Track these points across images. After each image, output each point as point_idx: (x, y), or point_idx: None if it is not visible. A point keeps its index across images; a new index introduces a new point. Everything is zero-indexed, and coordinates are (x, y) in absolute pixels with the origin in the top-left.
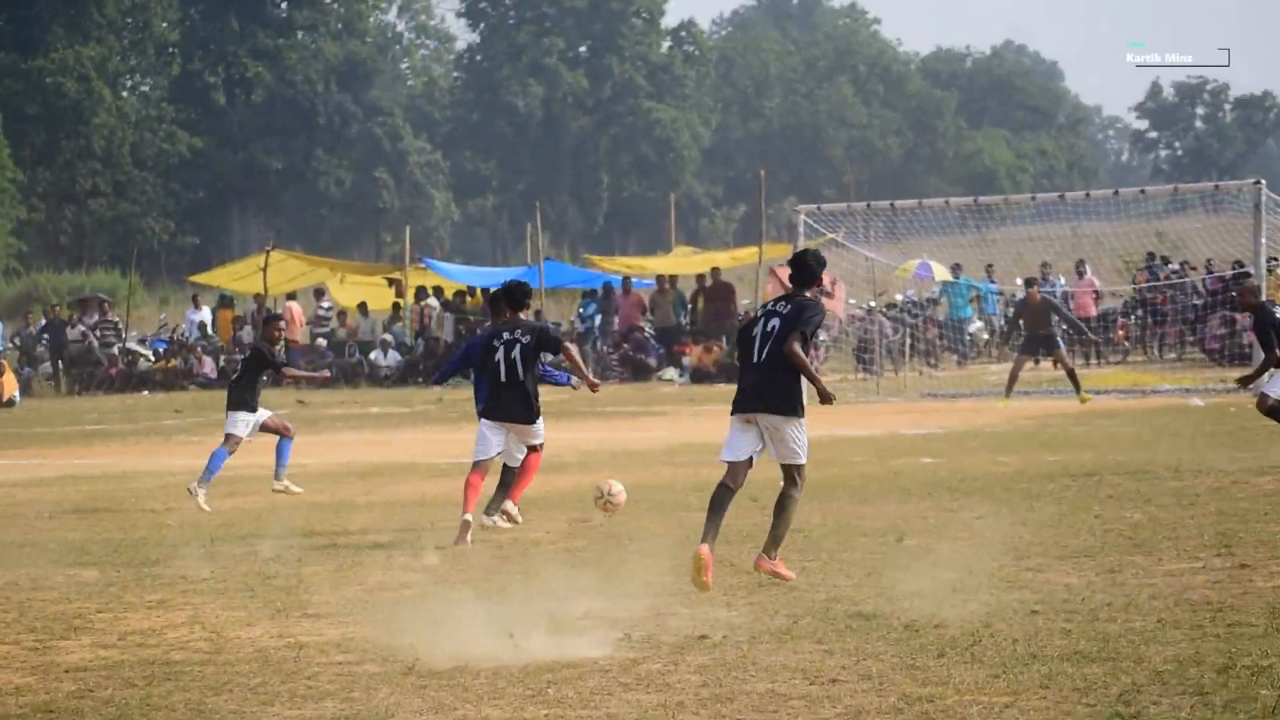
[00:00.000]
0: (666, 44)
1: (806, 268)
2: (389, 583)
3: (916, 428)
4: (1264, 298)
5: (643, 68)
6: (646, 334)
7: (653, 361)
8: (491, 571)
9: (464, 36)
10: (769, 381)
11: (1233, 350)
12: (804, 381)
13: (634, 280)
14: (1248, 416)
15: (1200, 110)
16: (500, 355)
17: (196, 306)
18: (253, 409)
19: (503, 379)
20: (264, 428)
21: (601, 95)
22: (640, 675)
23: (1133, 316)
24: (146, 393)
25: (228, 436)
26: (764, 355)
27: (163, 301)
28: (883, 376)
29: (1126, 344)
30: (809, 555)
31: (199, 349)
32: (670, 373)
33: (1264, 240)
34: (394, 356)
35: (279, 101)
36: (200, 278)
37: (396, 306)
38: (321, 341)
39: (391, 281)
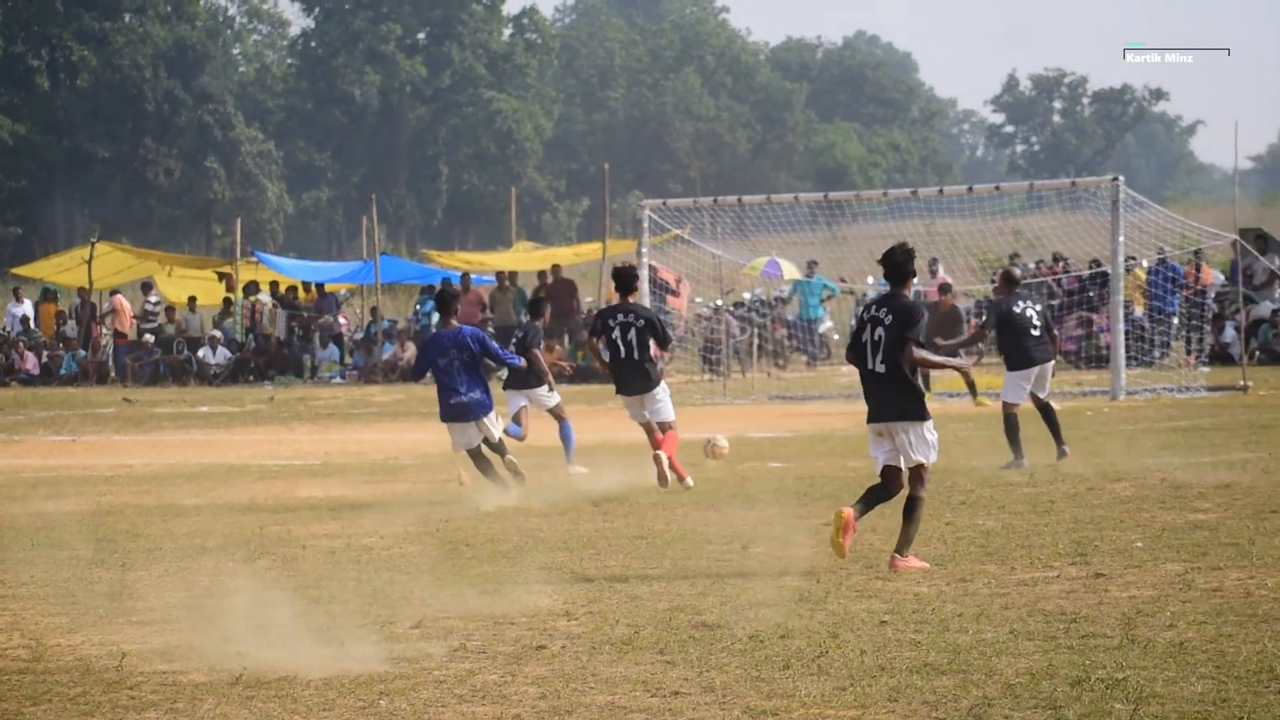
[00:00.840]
0: (508, 32)
1: (896, 264)
2: (216, 589)
3: (764, 431)
4: (1121, 295)
5: (483, 56)
6: (486, 333)
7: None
8: (323, 577)
9: (298, 21)
10: (890, 392)
11: (1089, 352)
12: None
13: (473, 277)
14: (1104, 420)
15: (1058, 104)
16: (618, 335)
17: (18, 300)
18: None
19: (623, 357)
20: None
21: (440, 84)
22: (476, 686)
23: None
24: None
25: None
26: (878, 365)
27: None
28: (729, 378)
29: (980, 345)
30: (651, 563)
31: (21, 344)
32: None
33: (1121, 239)
34: (224, 354)
35: (105, 87)
36: (22, 269)
37: (227, 302)
38: (149, 338)
39: (222, 276)
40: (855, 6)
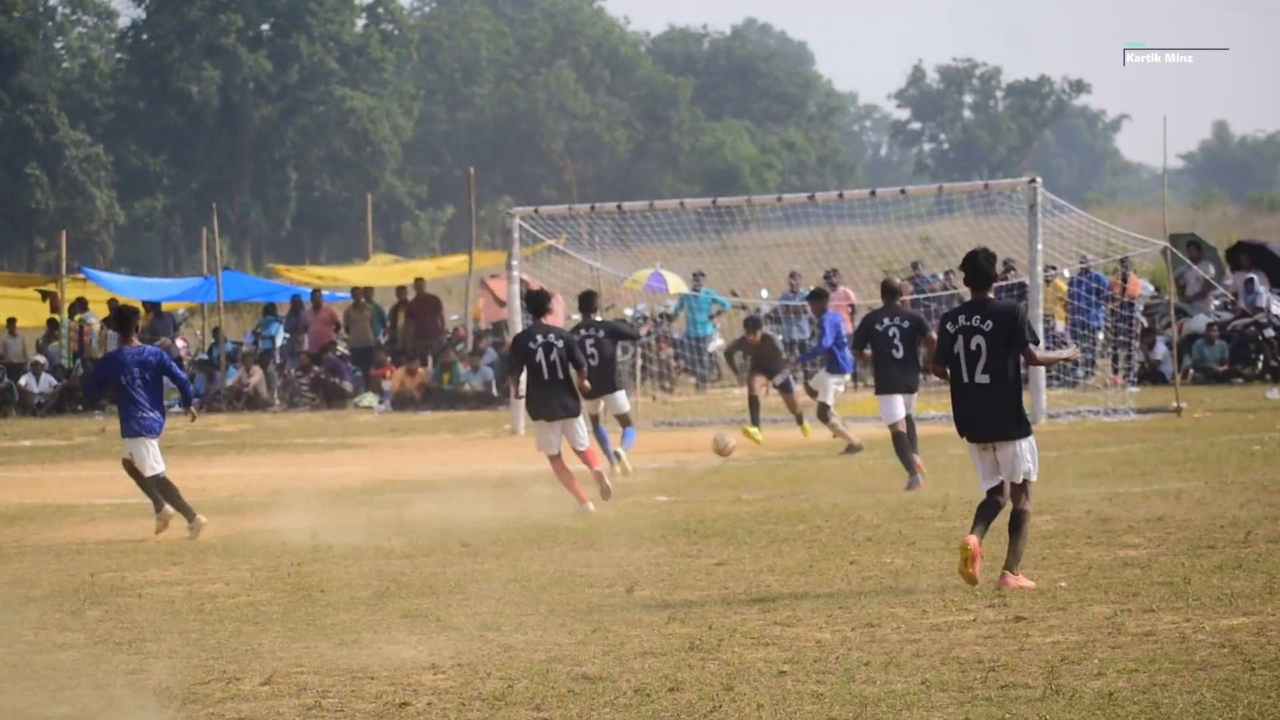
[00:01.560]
0: (361, 22)
1: (980, 268)
2: (43, 644)
3: (647, 461)
4: (1041, 310)
5: (335, 49)
6: (341, 354)
7: (348, 386)
8: (161, 630)
9: (127, 12)
10: (994, 407)
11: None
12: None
13: (326, 293)
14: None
15: (969, 99)
16: (541, 358)
17: None
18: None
19: (545, 379)
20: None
21: (288, 80)
22: None
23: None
24: None
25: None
26: (979, 377)
27: None
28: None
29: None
30: (526, 609)
31: None
32: (369, 399)
33: (1040, 246)
34: (48, 381)
35: None
36: None
37: (52, 324)
38: None
39: (46, 294)
40: None
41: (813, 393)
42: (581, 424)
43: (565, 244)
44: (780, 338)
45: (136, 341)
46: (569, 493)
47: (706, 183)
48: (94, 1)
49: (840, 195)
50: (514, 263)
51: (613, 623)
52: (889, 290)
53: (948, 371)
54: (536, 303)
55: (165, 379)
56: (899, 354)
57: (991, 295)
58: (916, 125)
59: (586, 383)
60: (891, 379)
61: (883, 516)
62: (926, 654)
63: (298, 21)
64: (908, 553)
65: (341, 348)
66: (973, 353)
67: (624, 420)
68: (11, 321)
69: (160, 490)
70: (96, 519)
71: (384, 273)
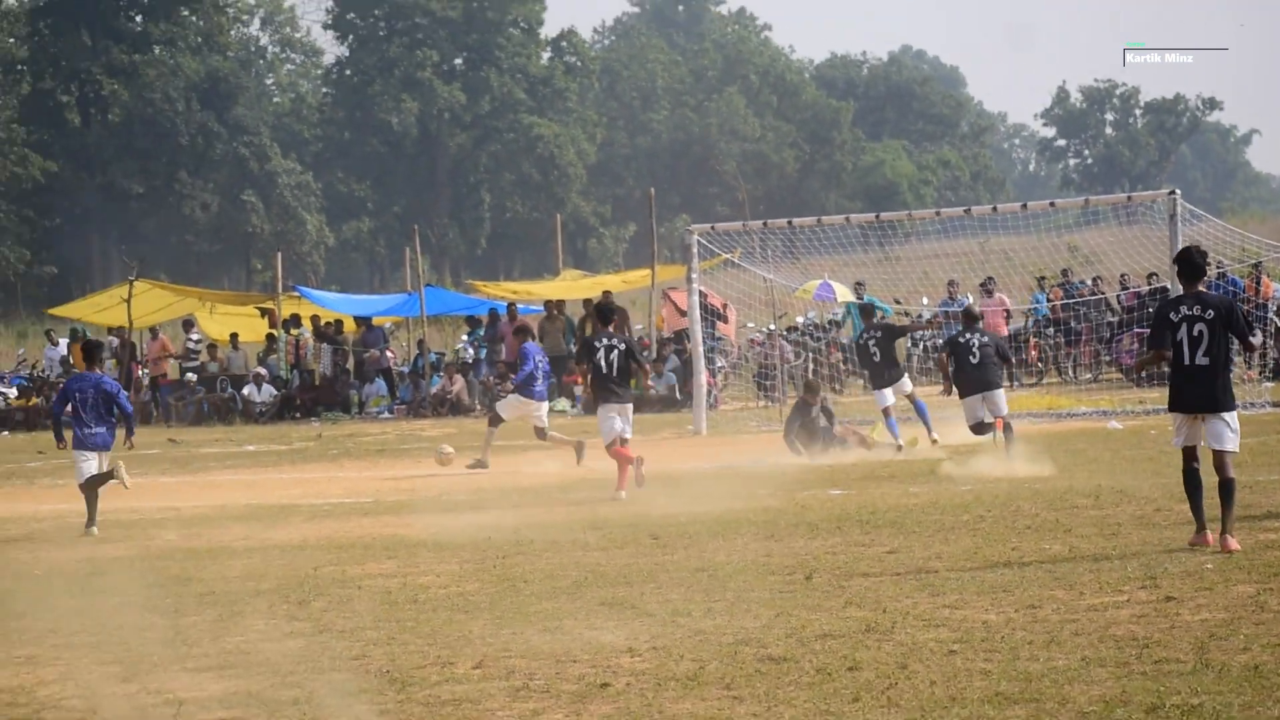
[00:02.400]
0: (547, 55)
1: (1195, 265)
2: (272, 632)
3: (822, 457)
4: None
5: (522, 81)
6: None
7: None
8: (379, 618)
9: (332, 50)
10: (1210, 384)
11: (1150, 370)
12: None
13: (520, 306)
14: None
15: (1110, 116)
16: (601, 357)
17: (53, 342)
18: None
19: (604, 374)
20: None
21: (480, 110)
22: None
23: (1044, 335)
24: (6, 433)
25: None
26: (1200, 359)
27: (20, 336)
28: (785, 403)
29: (1040, 365)
30: (714, 596)
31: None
32: (561, 403)
33: None
34: (268, 391)
35: (138, 121)
36: (60, 310)
37: (270, 338)
38: (191, 376)
39: (264, 311)
40: (900, 21)
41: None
42: (629, 413)
43: (740, 257)
44: (940, 340)
45: (98, 371)
46: (620, 475)
47: (868, 198)
48: (301, 40)
49: (994, 208)
50: (693, 275)
51: (794, 607)
52: (970, 316)
53: (1161, 353)
54: (603, 312)
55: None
56: (974, 359)
57: (1204, 290)
58: (1062, 142)
59: (650, 380)
60: (972, 381)
61: (1040, 506)
62: (1085, 632)
63: (488, 56)
64: (1064, 539)
65: None
66: (1195, 338)
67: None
68: (234, 336)
69: (89, 489)
70: (318, 518)
71: (573, 287)
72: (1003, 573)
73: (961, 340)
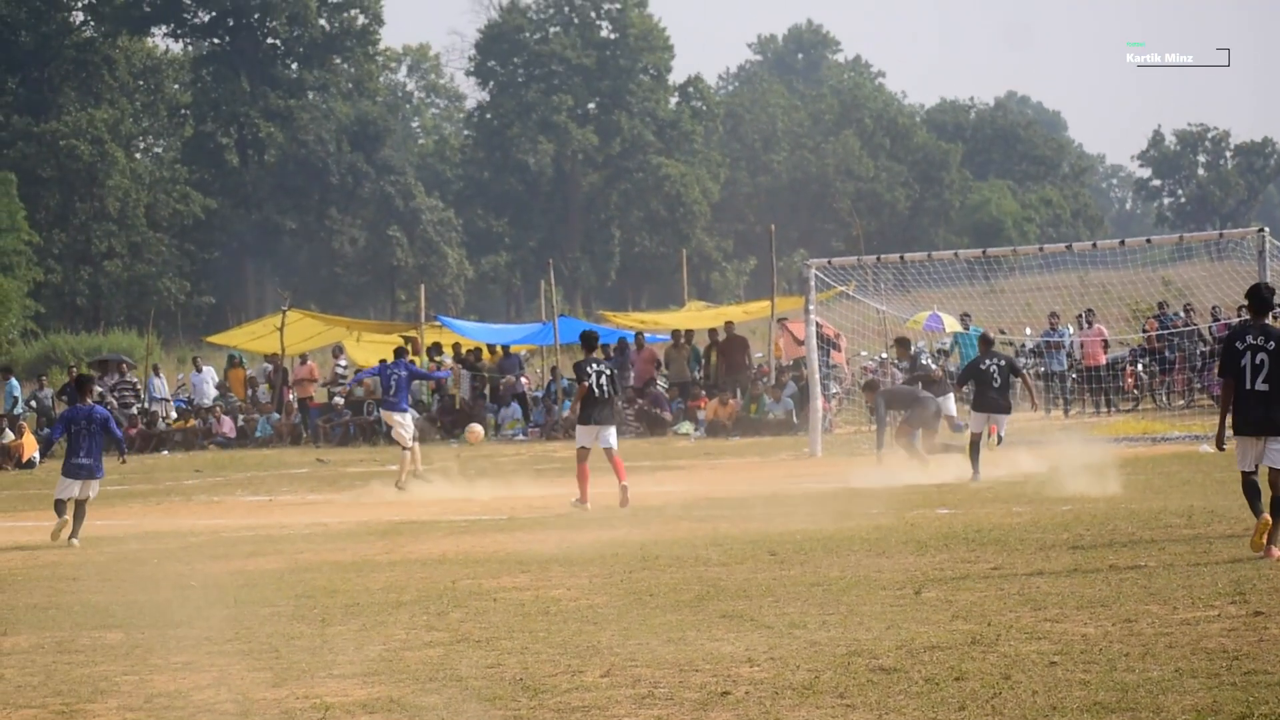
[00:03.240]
0: (674, 100)
1: (1261, 298)
2: (413, 641)
3: (931, 479)
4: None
5: (651, 124)
6: (662, 388)
7: (668, 416)
8: (513, 629)
9: (473, 95)
10: (1267, 408)
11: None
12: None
13: (647, 335)
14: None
15: (1202, 158)
16: (592, 380)
17: (198, 369)
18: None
19: (596, 396)
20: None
21: (611, 151)
22: None
23: (1140, 364)
24: (166, 452)
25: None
26: (1260, 385)
27: (180, 361)
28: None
29: (1136, 392)
30: (828, 609)
31: (219, 409)
32: (686, 427)
33: None
34: (411, 415)
35: (291, 161)
36: (217, 338)
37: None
38: (338, 400)
39: (407, 339)
40: (1006, 68)
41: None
42: (612, 433)
43: (854, 290)
44: (1042, 368)
45: (89, 402)
46: (579, 485)
47: (975, 235)
48: (444, 86)
49: (1094, 244)
50: (810, 307)
51: (904, 620)
52: (986, 340)
53: (1227, 379)
54: (588, 340)
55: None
56: (996, 383)
57: (1269, 321)
58: (1157, 182)
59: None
60: (990, 402)
61: (1136, 525)
62: (1178, 645)
63: (619, 100)
64: (1159, 556)
65: (661, 383)
66: (1256, 366)
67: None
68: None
69: (58, 509)
70: (455, 533)
71: (697, 317)
72: (1100, 588)
73: (982, 367)
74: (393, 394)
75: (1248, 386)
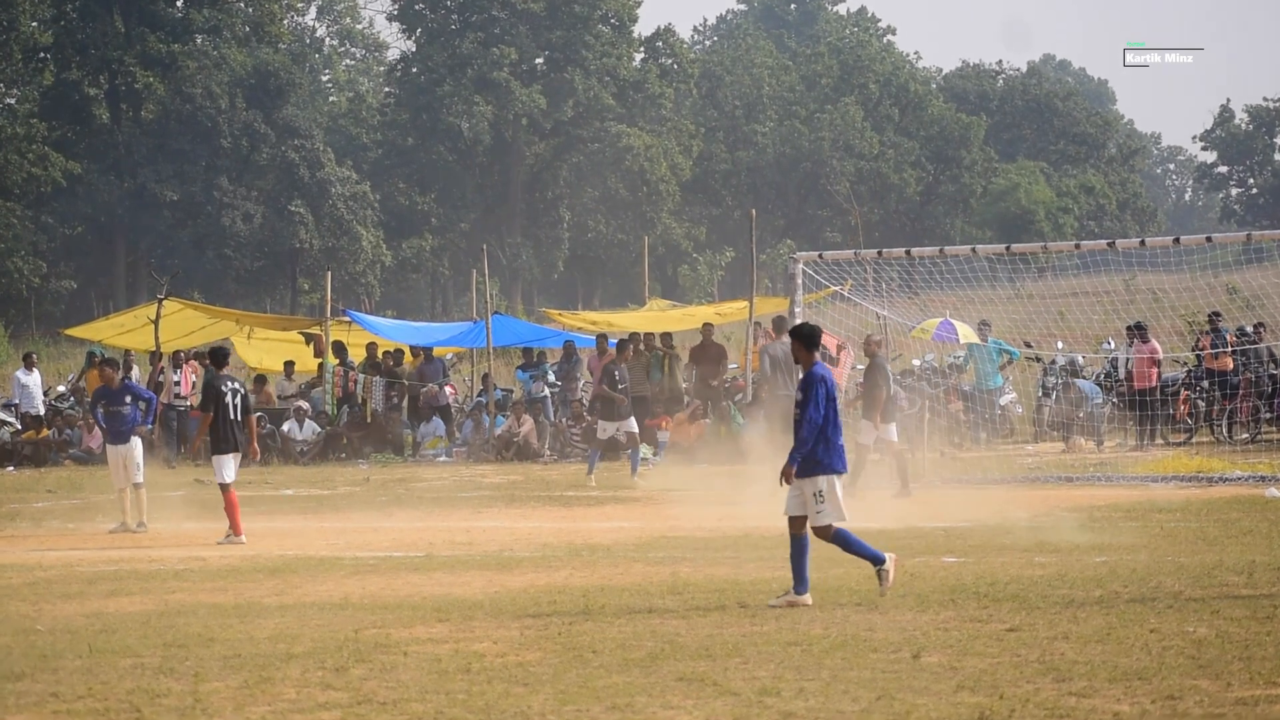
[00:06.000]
0: (639, 56)
1: None
2: (305, 702)
3: (936, 520)
4: None
5: (611, 85)
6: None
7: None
8: (426, 689)
9: (397, 44)
10: None
11: None
12: None
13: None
14: None
15: None
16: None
17: (28, 367)
18: None
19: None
20: None
21: (561, 117)
22: None
23: (1198, 389)
24: (12, 469)
25: None
26: None
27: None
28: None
29: (1190, 421)
30: (807, 674)
31: (77, 418)
32: (644, 450)
33: None
34: (311, 428)
35: (174, 119)
36: (77, 330)
37: (322, 368)
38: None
39: (309, 338)
40: (1041, 26)
41: None
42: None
43: (851, 290)
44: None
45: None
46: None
47: (999, 228)
48: (362, 33)
49: (1142, 242)
50: (797, 310)
51: (898, 690)
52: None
53: None
54: (217, 357)
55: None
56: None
57: None
58: (1223, 169)
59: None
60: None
61: (1184, 582)
62: None
63: (573, 55)
64: (1211, 621)
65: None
66: None
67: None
68: (289, 365)
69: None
70: (361, 572)
71: (661, 318)
72: (1139, 657)
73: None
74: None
75: None
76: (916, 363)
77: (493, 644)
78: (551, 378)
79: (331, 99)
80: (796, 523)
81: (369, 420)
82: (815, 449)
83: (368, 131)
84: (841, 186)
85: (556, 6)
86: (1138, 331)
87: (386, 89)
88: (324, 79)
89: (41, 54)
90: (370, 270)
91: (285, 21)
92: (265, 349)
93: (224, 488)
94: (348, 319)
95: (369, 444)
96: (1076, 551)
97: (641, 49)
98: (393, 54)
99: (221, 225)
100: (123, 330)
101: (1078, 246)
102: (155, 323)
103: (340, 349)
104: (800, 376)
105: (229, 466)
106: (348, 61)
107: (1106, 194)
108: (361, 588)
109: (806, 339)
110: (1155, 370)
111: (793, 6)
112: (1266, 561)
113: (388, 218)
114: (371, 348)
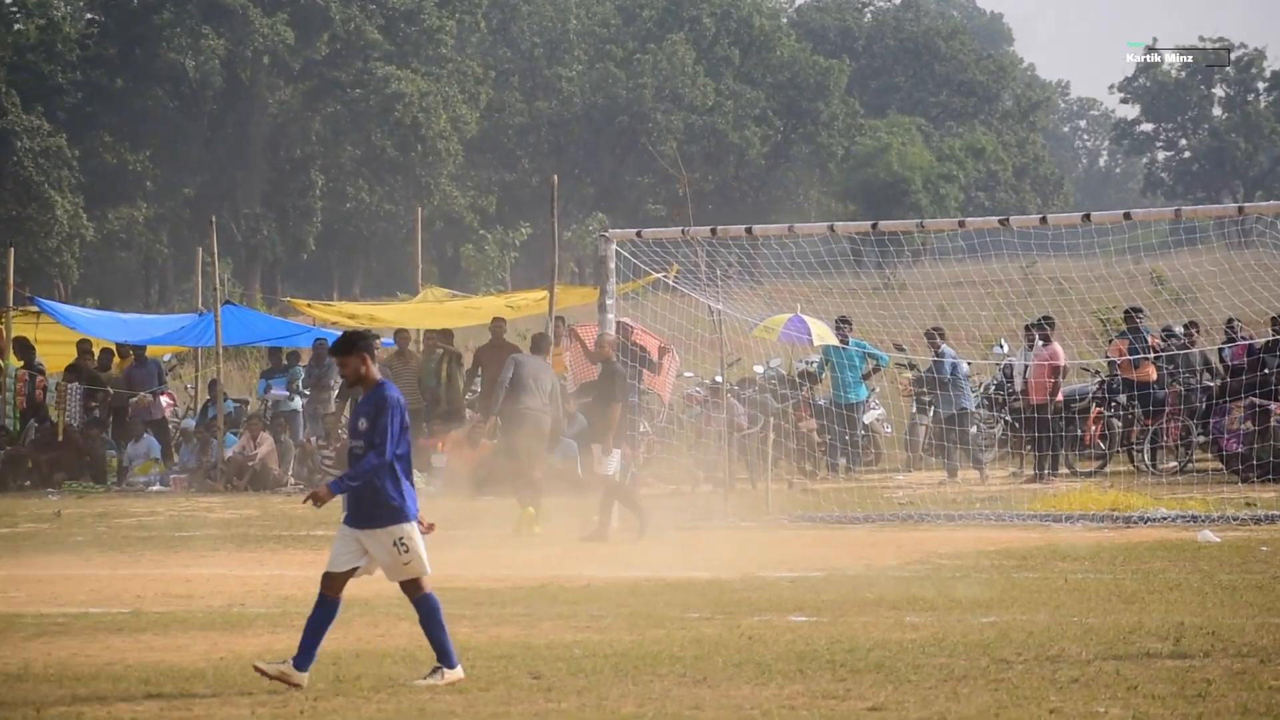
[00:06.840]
0: None
1: None
2: None
3: (783, 568)
4: None
5: (377, 16)
6: None
7: None
8: None
9: None
10: None
11: (1264, 457)
12: None
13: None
14: None
15: (1220, 92)
16: None
17: None
18: None
19: None
20: None
21: (314, 55)
22: None
23: (1113, 405)
24: None
25: None
26: None
27: None
28: (733, 488)
29: (1102, 445)
30: None
31: None
32: (415, 477)
33: None
34: None
35: None
36: None
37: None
38: None
39: None
40: None
41: None
42: None
43: (677, 278)
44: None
45: None
46: None
47: (864, 199)
48: None
49: (1043, 219)
50: (609, 302)
51: None
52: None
53: None
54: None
55: None
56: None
57: None
58: (1148, 127)
59: None
60: None
61: (1094, 650)
62: None
63: None
64: (1127, 700)
65: None
66: None
67: None
68: None
69: None
70: (49, 634)
71: (437, 311)
72: None
73: None
74: None
75: None
76: (759, 369)
77: None
78: (300, 385)
79: (17, 28)
80: (337, 582)
81: (61, 438)
82: (389, 491)
83: (64, 70)
84: (667, 147)
85: None
86: (1038, 331)
87: (89, 16)
88: (8, 4)
89: None
90: (66, 246)
91: None
92: None
93: None
94: (35, 309)
95: (61, 468)
96: (958, 609)
97: None
98: None
99: None
100: None
101: (962, 224)
102: None
103: (25, 347)
104: (362, 396)
105: None
106: None
107: (1000, 158)
108: (47, 653)
109: (347, 348)
110: (1057, 381)
111: None
112: (1197, 624)
113: (89, 180)
114: (84, 346)
